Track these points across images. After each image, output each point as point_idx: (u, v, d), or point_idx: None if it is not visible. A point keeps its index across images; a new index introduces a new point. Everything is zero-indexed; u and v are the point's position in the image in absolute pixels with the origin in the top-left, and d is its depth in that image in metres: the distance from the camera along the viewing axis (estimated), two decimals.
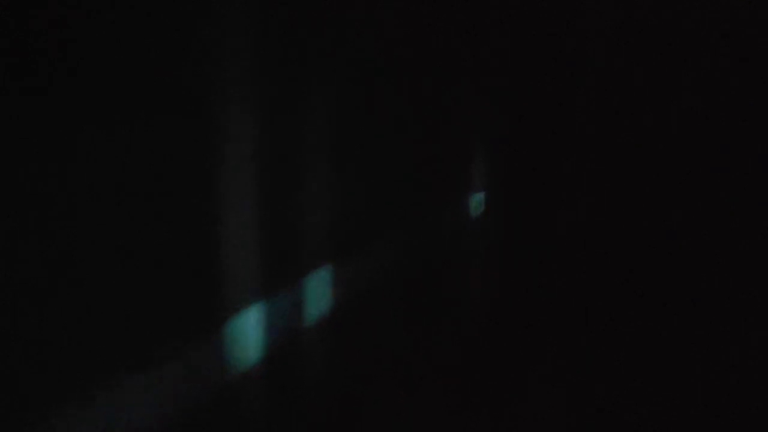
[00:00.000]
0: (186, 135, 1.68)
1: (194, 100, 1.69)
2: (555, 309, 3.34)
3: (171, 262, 1.66)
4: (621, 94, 3.43)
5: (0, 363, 1.27)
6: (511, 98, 3.52)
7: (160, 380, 1.64)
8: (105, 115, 1.45)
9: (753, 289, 3.22)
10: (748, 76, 3.28)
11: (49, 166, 1.32)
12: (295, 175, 2.15)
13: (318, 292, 2.34)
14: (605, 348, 3.05)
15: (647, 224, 3.41)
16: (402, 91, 2.77)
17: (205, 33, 1.72)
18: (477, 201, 3.54)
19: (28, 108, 1.26)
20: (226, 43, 1.80)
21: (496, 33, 3.40)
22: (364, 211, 2.62)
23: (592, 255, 3.45)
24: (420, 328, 2.94)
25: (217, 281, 1.84)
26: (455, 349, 3.01)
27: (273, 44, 1.97)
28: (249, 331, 1.97)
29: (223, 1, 1.77)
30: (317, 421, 2.26)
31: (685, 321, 3.20)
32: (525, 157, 3.55)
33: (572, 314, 3.30)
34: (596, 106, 3.45)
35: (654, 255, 3.39)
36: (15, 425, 1.29)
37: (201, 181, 1.74)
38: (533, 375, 2.85)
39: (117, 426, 1.52)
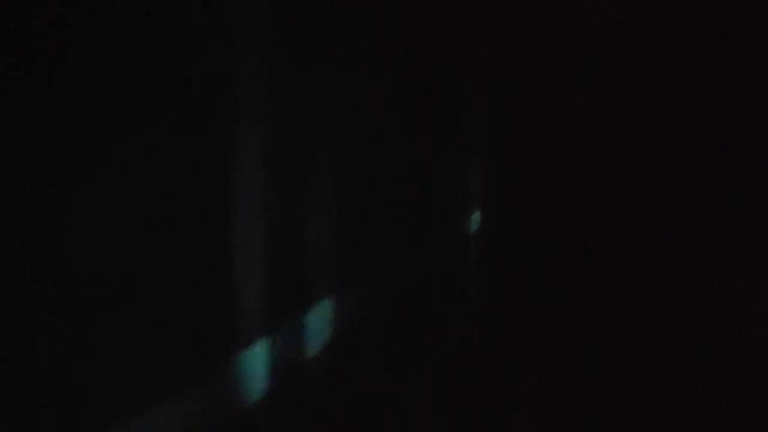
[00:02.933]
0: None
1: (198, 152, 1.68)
2: (555, 310, 3.33)
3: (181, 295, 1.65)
4: (621, 95, 3.42)
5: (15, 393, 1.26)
6: (510, 99, 3.51)
7: (168, 414, 1.62)
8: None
9: (753, 289, 3.22)
10: (748, 76, 3.28)
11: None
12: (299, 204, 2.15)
13: (324, 316, 2.34)
14: (605, 348, 3.05)
15: (647, 224, 3.41)
16: (401, 114, 2.78)
17: (207, 38, 1.71)
18: (477, 212, 3.55)
19: (28, 108, 1.26)
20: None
21: (496, 34, 3.40)
22: (367, 230, 2.63)
23: (592, 255, 3.45)
24: (421, 337, 2.94)
25: (227, 315, 1.82)
26: (455, 354, 3.01)
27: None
28: (257, 363, 1.95)
29: (231, 3, 1.76)
30: None
31: (685, 321, 3.20)
32: (524, 157, 3.54)
33: (572, 315, 3.30)
34: (596, 108, 3.44)
35: (654, 255, 3.38)
36: None
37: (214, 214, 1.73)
38: (533, 376, 2.84)
39: None
